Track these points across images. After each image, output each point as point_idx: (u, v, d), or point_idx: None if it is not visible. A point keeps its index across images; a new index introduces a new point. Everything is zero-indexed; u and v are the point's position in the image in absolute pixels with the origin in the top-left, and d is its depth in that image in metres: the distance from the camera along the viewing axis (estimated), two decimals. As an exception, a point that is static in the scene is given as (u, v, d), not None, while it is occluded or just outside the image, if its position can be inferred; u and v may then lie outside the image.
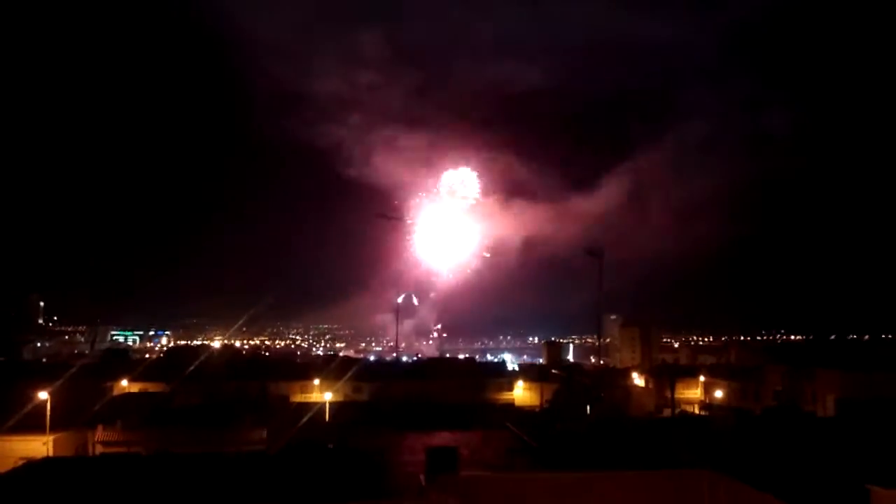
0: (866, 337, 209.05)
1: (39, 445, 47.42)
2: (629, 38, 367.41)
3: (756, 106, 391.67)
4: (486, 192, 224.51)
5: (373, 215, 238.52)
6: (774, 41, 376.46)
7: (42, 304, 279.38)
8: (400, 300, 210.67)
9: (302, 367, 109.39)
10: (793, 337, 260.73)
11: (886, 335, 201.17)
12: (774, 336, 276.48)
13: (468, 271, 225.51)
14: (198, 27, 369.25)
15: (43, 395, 50.12)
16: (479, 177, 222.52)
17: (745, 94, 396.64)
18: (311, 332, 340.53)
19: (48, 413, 48.71)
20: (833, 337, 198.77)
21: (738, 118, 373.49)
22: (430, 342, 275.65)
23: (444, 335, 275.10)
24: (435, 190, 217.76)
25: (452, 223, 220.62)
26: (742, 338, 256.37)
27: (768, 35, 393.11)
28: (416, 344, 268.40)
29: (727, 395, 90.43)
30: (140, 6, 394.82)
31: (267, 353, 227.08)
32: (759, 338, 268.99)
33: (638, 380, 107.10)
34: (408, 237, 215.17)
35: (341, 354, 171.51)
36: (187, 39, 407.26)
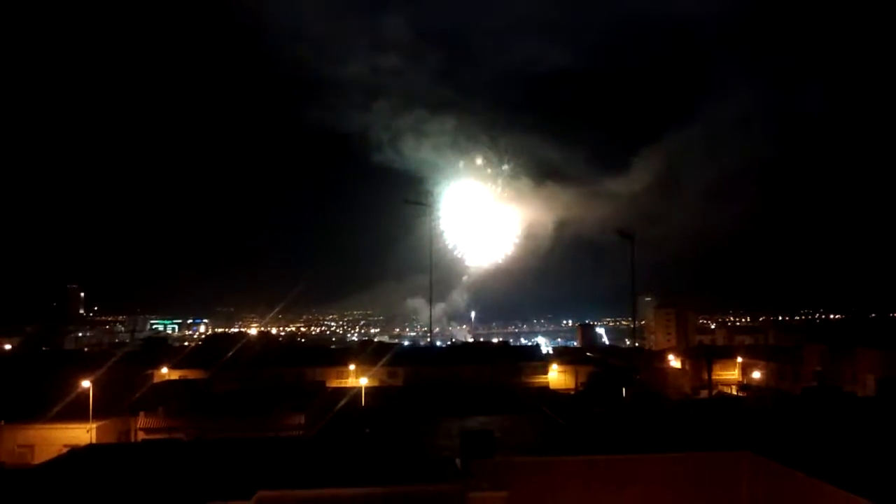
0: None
1: (83, 433, 48.38)
2: (659, 15, 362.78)
3: (792, 83, 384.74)
4: (516, 175, 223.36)
5: (401, 201, 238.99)
6: (808, 17, 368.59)
7: (83, 294, 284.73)
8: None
9: (337, 353, 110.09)
10: (832, 316, 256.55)
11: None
12: (813, 315, 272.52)
13: (502, 255, 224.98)
14: (221, 18, 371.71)
15: (86, 383, 51.09)
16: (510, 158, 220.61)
17: (780, 71, 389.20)
18: (346, 319, 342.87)
19: (91, 401, 49.65)
20: (873, 315, 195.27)
21: (772, 95, 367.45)
22: (464, 326, 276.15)
23: (478, 316, 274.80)
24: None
25: (484, 206, 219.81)
26: (780, 318, 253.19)
27: (802, 11, 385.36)
28: (450, 328, 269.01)
29: (765, 375, 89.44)
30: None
31: (303, 340, 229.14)
32: (797, 317, 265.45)
33: (674, 361, 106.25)
34: (439, 221, 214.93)
35: (376, 340, 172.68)
36: (209, 30, 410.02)
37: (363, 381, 70.75)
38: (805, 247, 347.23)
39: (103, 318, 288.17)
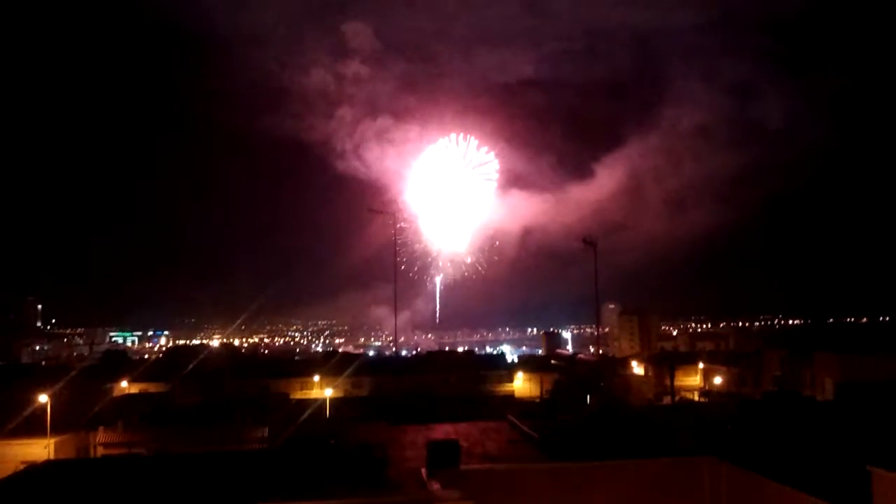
0: (864, 319, 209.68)
1: (41, 449, 47.33)
2: (621, 25, 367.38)
3: (750, 92, 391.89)
4: (482, 182, 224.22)
5: (365, 210, 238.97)
6: (770, 28, 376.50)
7: (40, 307, 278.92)
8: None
9: (301, 364, 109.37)
10: (791, 321, 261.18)
11: (884, 317, 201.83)
12: (772, 321, 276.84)
13: (467, 262, 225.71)
14: (182, 24, 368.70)
15: (43, 398, 50.06)
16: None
17: (739, 81, 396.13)
18: (310, 329, 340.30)
19: (48, 416, 48.63)
20: (831, 320, 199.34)
21: (732, 105, 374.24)
22: (430, 335, 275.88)
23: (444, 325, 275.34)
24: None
25: (450, 214, 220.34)
26: (740, 323, 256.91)
27: (764, 22, 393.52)
28: (415, 338, 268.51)
29: (726, 381, 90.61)
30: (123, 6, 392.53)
31: (266, 351, 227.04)
32: (756, 323, 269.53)
33: (637, 368, 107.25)
34: (405, 230, 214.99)
35: (340, 350, 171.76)
36: (170, 36, 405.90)
37: (328, 393, 70.31)
38: (764, 253, 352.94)
39: (61, 330, 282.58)
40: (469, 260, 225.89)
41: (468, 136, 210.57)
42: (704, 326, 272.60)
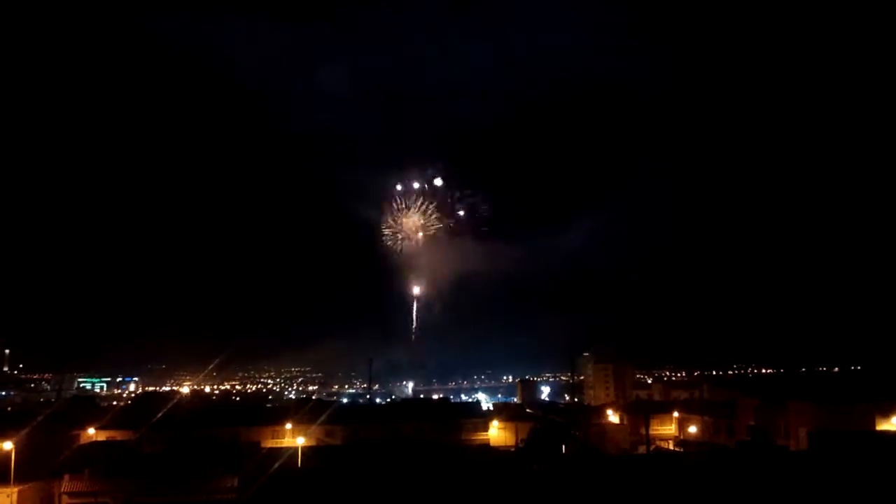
0: (836, 369, 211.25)
1: (3, 498, 46.33)
2: (592, 77, 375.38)
3: (719, 141, 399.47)
4: (457, 231, 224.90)
5: (341, 258, 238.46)
6: (733, 78, 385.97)
7: (7, 351, 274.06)
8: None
9: (273, 412, 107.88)
10: (763, 370, 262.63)
11: (855, 367, 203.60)
12: (745, 370, 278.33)
13: (442, 310, 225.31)
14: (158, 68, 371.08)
15: (7, 445, 49.02)
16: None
17: (711, 131, 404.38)
18: (283, 376, 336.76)
19: (12, 464, 47.60)
20: (804, 369, 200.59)
21: (701, 153, 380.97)
22: (403, 383, 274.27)
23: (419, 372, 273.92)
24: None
25: (426, 262, 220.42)
26: (714, 372, 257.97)
27: (728, 72, 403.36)
28: (389, 385, 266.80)
29: (701, 430, 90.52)
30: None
31: (238, 398, 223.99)
32: (730, 371, 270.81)
33: (612, 417, 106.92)
34: (380, 276, 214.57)
35: (314, 397, 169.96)
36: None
37: (300, 441, 69.24)
38: (737, 302, 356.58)
39: (29, 376, 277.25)
40: (444, 307, 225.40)
41: (450, 180, 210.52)
42: (679, 375, 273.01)
